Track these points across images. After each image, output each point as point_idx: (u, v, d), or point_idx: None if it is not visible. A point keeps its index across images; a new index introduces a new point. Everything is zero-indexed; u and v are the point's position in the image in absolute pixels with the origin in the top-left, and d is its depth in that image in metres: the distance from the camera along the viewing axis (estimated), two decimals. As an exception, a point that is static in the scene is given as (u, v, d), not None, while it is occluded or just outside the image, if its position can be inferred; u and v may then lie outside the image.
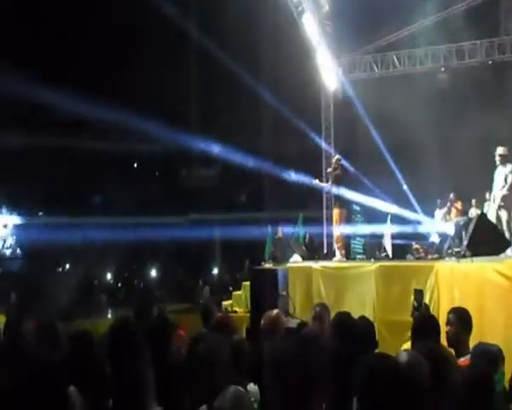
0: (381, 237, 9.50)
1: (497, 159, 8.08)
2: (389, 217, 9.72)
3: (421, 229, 11.98)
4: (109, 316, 15.58)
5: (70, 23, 23.70)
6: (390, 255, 8.93)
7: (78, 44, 23.43)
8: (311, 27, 13.73)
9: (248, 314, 7.37)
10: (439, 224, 10.99)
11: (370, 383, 2.00)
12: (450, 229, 8.67)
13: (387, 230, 9.30)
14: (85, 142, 25.69)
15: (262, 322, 4.09)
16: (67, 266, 25.64)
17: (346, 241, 9.89)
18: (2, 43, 20.31)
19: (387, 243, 9.07)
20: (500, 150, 8.11)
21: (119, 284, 25.04)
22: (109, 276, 26.56)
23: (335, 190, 9.76)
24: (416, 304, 3.54)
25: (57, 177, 26.46)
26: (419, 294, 3.58)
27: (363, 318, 3.60)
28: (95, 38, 23.70)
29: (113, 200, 28.61)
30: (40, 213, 28.54)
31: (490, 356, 3.31)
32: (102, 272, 25.92)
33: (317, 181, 10.66)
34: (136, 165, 32.28)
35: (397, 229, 10.01)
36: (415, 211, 12.90)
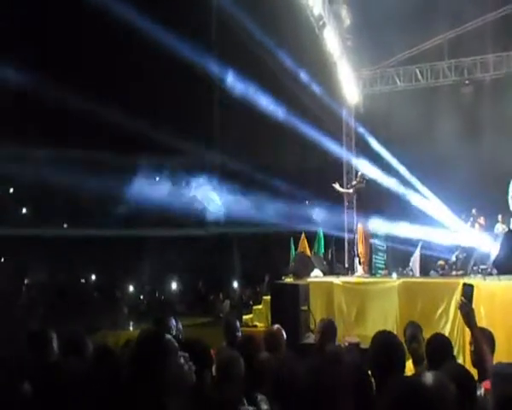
0: (404, 253, 9.39)
1: None
2: (420, 243, 9.58)
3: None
4: (131, 328, 15.67)
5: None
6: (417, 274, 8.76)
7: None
8: (333, 41, 13.75)
9: (269, 329, 7.33)
10: (462, 239, 10.78)
11: (397, 406, 1.97)
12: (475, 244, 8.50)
13: (417, 254, 9.16)
14: (110, 154, 26.11)
15: (263, 336, 4.12)
16: (93, 277, 26.00)
17: (369, 256, 9.79)
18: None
19: (416, 266, 8.93)
20: None
21: (141, 297, 25.25)
22: (131, 288, 26.80)
23: (357, 204, 9.71)
24: (463, 300, 3.40)
25: (82, 189, 26.91)
26: (468, 289, 3.46)
27: (397, 337, 3.55)
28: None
29: (136, 213, 28.93)
30: (65, 226, 29.06)
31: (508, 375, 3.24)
32: (125, 284, 26.18)
33: (337, 185, 10.50)
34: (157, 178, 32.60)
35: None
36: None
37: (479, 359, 3.30)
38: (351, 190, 10.02)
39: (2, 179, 28.02)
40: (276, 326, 4.25)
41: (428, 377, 2.57)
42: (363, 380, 2.83)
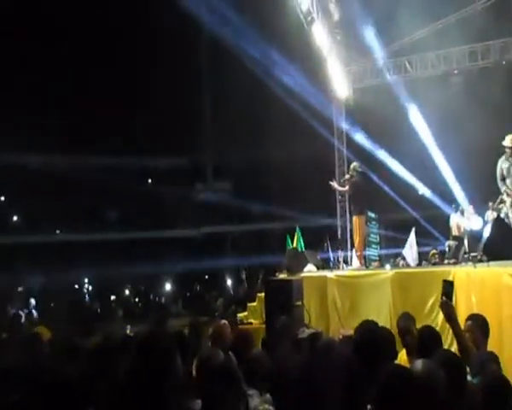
0: (395, 244, 9.38)
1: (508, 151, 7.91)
2: (414, 228, 9.56)
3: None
4: (128, 331, 15.58)
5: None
6: (412, 264, 8.74)
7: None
8: (322, 37, 13.72)
9: (264, 326, 7.30)
10: (454, 228, 10.80)
11: (386, 394, 1.97)
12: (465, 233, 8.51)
13: (412, 240, 9.13)
14: (100, 158, 26.03)
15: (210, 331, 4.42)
16: (86, 281, 25.91)
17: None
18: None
19: (412, 253, 8.89)
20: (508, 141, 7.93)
21: (136, 299, 25.19)
22: (127, 292, 26.73)
23: (352, 197, 9.69)
24: (443, 298, 3.43)
25: (73, 194, 26.83)
26: (448, 286, 3.47)
27: (385, 328, 3.56)
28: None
29: (129, 216, 28.89)
30: (57, 232, 28.92)
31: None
32: (120, 287, 26.10)
33: (334, 184, 10.42)
34: (150, 180, 32.57)
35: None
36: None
37: (463, 352, 3.30)
38: (347, 187, 9.97)
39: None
40: (223, 321, 4.63)
41: (418, 364, 2.57)
42: (355, 371, 2.81)
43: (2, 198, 31.03)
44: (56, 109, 24.48)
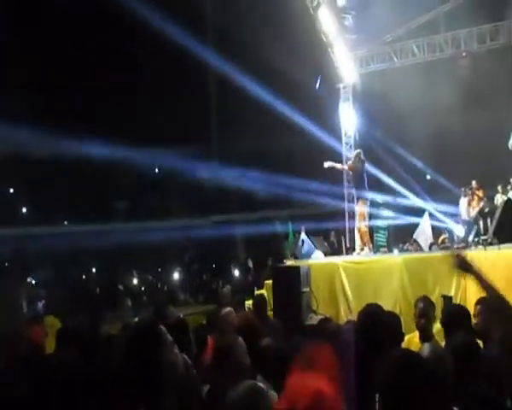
0: (405, 229, 9.29)
1: None
2: (426, 212, 9.45)
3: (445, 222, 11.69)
4: (136, 320, 15.69)
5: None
6: (426, 248, 8.62)
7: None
8: (328, 21, 13.51)
9: (271, 312, 7.28)
10: (463, 212, 10.67)
11: (393, 379, 1.92)
12: (474, 217, 8.39)
13: (425, 223, 9.01)
14: (107, 148, 26.05)
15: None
16: (93, 270, 26.07)
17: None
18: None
19: (425, 236, 8.77)
20: None
21: (143, 288, 25.34)
22: (135, 281, 26.88)
23: (355, 183, 9.62)
24: (441, 316, 3.36)
25: (81, 185, 26.97)
26: (448, 300, 3.39)
27: (389, 312, 3.51)
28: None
29: (137, 205, 29.02)
30: (65, 222, 29.09)
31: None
32: (128, 276, 26.25)
33: (329, 163, 10.22)
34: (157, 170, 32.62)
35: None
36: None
37: (483, 329, 3.22)
38: (346, 167, 9.91)
39: (2, 180, 28.07)
40: (228, 308, 4.68)
41: (425, 348, 2.51)
42: (361, 357, 2.77)
43: (11, 190, 31.28)
44: (64, 100, 24.52)
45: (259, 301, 5.76)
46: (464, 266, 3.04)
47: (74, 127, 24.96)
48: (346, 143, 14.74)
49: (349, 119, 14.98)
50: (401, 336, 3.26)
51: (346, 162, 10.68)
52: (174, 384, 2.37)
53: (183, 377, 2.56)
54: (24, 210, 31.38)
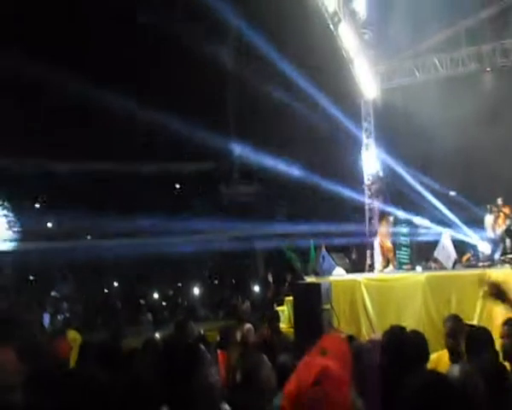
0: (428, 246, 9.12)
1: None
2: (446, 230, 9.27)
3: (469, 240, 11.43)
4: (156, 335, 15.72)
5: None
6: (448, 267, 8.45)
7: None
8: (348, 37, 13.52)
9: (292, 329, 7.22)
10: (489, 230, 10.43)
11: (421, 401, 1.86)
12: (500, 235, 8.18)
13: (445, 239, 8.83)
14: (129, 165, 26.54)
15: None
16: (115, 284, 26.31)
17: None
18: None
19: (446, 254, 8.58)
20: None
21: (164, 303, 25.44)
22: (156, 296, 27.01)
23: (378, 202, 9.56)
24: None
25: (102, 201, 27.44)
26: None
27: (414, 331, 3.43)
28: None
29: (157, 221, 29.29)
30: (88, 237, 29.52)
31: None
32: (149, 291, 26.41)
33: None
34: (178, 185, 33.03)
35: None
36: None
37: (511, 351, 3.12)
38: (369, 195, 9.88)
39: (28, 195, 28.81)
40: (248, 325, 4.93)
41: (454, 370, 2.43)
42: (385, 376, 2.70)
43: (37, 205, 32.04)
44: (88, 120, 25.06)
45: (271, 316, 5.71)
46: (499, 295, 2.99)
47: (98, 144, 25.56)
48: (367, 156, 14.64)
49: (370, 133, 14.89)
50: (427, 356, 3.18)
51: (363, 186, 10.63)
52: (211, 407, 2.34)
53: (218, 400, 2.52)
54: (49, 225, 32.04)
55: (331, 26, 13.34)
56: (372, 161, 13.95)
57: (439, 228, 10.61)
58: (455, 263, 8.62)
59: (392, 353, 2.83)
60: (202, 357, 2.29)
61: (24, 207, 28.56)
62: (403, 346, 2.88)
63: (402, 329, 3.16)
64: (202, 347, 2.40)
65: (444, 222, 11.20)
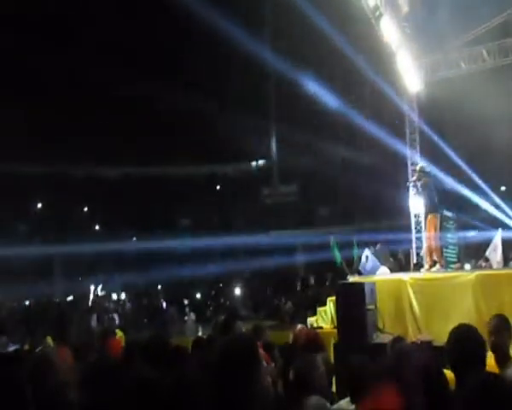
0: (476, 245, 8.75)
1: None
2: (499, 229, 8.90)
3: None
4: (200, 334, 15.89)
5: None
6: (495, 266, 8.10)
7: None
8: (390, 31, 13.19)
9: (335, 330, 7.08)
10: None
11: (481, 404, 1.75)
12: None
13: (496, 242, 8.46)
14: (171, 168, 27.10)
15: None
16: (159, 287, 26.87)
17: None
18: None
19: (496, 255, 8.23)
20: None
21: (208, 303, 25.73)
22: (199, 296, 27.38)
23: (424, 198, 9.25)
24: None
25: (148, 204, 28.17)
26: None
27: (476, 332, 3.24)
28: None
29: (200, 222, 29.76)
30: (134, 239, 30.33)
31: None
32: (193, 291, 26.80)
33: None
34: (218, 187, 33.38)
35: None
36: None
37: None
38: (415, 192, 9.61)
39: (78, 200, 29.95)
40: (299, 326, 4.90)
41: (509, 372, 2.28)
42: (435, 378, 2.57)
43: (86, 209, 33.23)
44: (132, 126, 25.74)
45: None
46: None
47: (142, 150, 26.19)
48: (413, 149, 14.21)
49: (415, 128, 14.47)
50: (485, 359, 3.02)
51: (408, 183, 10.35)
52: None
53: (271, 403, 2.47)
54: (97, 227, 33.14)
55: (372, 21, 13.07)
56: (417, 155, 13.59)
57: (489, 227, 10.19)
58: (509, 260, 8.24)
59: (457, 353, 2.70)
60: (260, 358, 2.21)
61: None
62: (470, 346, 2.75)
63: (470, 327, 3.00)
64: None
65: (494, 221, 10.70)
